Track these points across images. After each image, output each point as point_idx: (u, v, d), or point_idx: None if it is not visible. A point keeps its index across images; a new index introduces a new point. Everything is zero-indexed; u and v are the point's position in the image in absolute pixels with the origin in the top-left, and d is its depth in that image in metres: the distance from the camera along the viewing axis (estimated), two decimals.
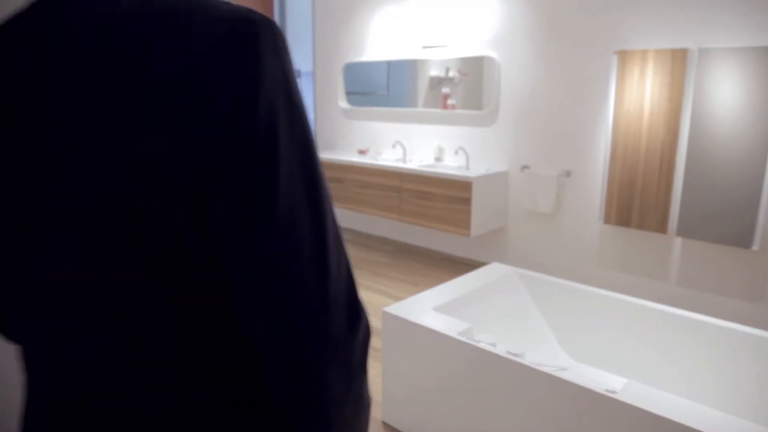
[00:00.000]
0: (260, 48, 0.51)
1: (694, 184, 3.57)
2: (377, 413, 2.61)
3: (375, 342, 3.37)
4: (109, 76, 0.49)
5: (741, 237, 3.44)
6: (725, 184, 3.45)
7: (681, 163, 3.68)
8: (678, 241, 3.85)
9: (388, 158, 5.38)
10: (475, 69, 4.73)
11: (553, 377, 1.88)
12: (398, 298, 4.04)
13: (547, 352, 2.82)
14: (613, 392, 1.78)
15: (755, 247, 3.41)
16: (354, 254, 5.17)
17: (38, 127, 0.52)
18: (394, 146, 5.37)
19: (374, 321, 3.68)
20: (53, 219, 0.52)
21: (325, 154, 5.58)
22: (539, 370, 1.91)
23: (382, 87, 5.46)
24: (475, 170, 4.58)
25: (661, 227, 3.76)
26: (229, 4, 0.52)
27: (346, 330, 0.57)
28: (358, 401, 0.61)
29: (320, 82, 6.09)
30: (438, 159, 5.07)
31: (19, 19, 0.57)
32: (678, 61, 3.55)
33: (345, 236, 5.79)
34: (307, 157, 0.54)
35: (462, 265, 4.84)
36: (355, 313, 0.58)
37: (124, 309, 0.53)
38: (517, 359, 1.96)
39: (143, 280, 0.52)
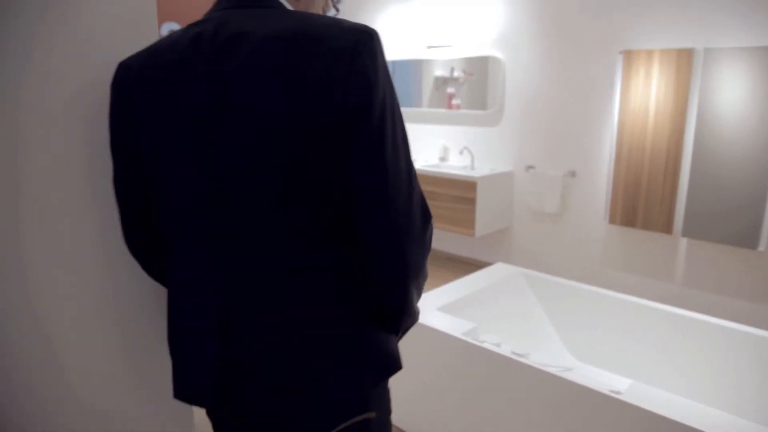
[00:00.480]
0: (375, 47, 0.81)
1: (699, 184, 3.55)
2: None
3: None
4: (287, 68, 0.78)
5: (747, 237, 3.42)
6: (731, 184, 3.44)
7: (686, 164, 3.67)
8: (683, 242, 3.84)
9: None
10: (479, 69, 4.72)
11: (557, 378, 1.88)
12: None
13: (552, 353, 2.82)
14: (618, 393, 1.78)
15: (761, 247, 3.39)
16: None
17: (215, 109, 0.82)
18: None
19: None
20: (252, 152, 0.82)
21: None
22: (544, 370, 1.91)
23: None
24: (480, 170, 4.58)
25: (667, 228, 3.75)
26: (348, 21, 0.82)
27: (422, 225, 0.89)
28: (424, 272, 0.94)
29: None
30: (443, 159, 5.07)
31: (187, 30, 0.88)
32: (683, 61, 3.54)
33: None
34: (399, 120, 0.86)
35: (467, 265, 4.83)
36: (426, 215, 0.91)
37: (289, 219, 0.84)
38: (522, 359, 1.96)
39: (308, 196, 0.83)
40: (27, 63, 1.00)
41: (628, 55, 3.76)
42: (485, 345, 2.07)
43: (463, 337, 2.13)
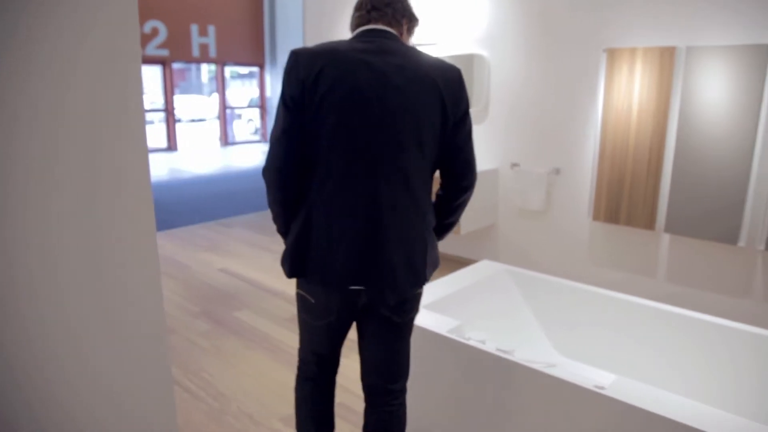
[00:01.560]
0: (463, 79, 1.67)
1: (681, 181, 3.58)
2: None
3: None
4: (424, 83, 1.56)
5: (728, 233, 3.46)
6: (712, 181, 3.47)
7: (669, 161, 3.69)
8: (666, 238, 3.86)
9: None
10: (465, 67, 4.72)
11: (542, 374, 1.88)
12: None
13: (537, 349, 2.82)
14: (602, 388, 1.78)
15: (742, 243, 3.43)
16: None
17: (385, 90, 1.53)
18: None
19: None
20: (389, 132, 1.54)
21: None
22: (529, 366, 1.91)
23: None
24: None
25: (650, 224, 3.78)
26: (439, 58, 1.67)
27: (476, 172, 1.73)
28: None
29: None
30: None
31: (356, 44, 1.61)
32: (666, 59, 3.57)
33: None
34: (470, 121, 1.69)
35: (453, 263, 4.83)
36: (476, 170, 1.73)
37: (419, 164, 1.59)
38: (507, 356, 1.96)
39: (427, 150, 1.61)
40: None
41: (612, 54, 3.78)
42: (471, 342, 2.06)
43: (449, 335, 2.12)
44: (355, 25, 1.68)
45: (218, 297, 4.00)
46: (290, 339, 3.32)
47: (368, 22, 1.64)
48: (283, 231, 1.67)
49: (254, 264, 4.72)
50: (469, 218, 4.42)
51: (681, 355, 2.47)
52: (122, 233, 1.28)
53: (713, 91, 3.40)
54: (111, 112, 1.20)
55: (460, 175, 1.67)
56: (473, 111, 4.72)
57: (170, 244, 5.31)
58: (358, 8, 1.68)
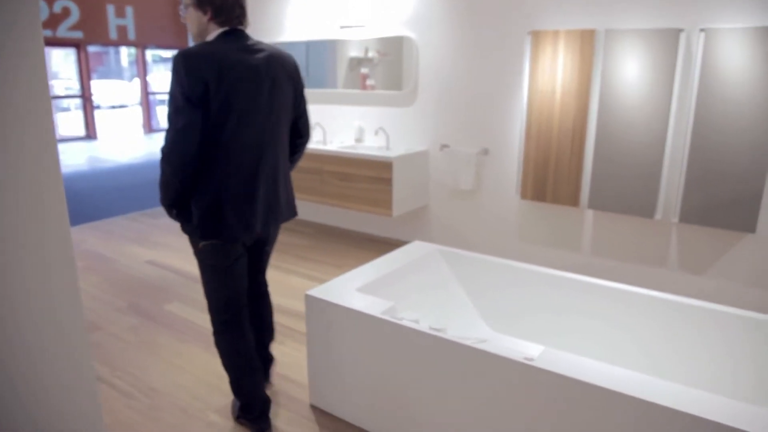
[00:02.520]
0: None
1: (602, 159, 3.73)
2: (304, 397, 2.59)
3: (299, 326, 3.33)
4: (283, 72, 2.13)
5: (645, 207, 3.64)
6: (630, 158, 3.63)
7: (591, 140, 3.84)
8: (590, 214, 4.03)
9: None
10: (394, 49, 4.72)
11: (474, 349, 1.92)
12: (322, 281, 4.01)
13: (469, 326, 2.89)
14: (531, 360, 1.84)
15: (658, 216, 3.62)
16: (278, 238, 5.07)
17: (257, 87, 2.03)
18: (314, 128, 5.30)
19: (298, 305, 3.64)
20: (271, 111, 2.09)
21: None
22: (461, 343, 1.94)
23: (301, 68, 5.35)
24: (395, 150, 4.59)
25: (574, 201, 3.92)
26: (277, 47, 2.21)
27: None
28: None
29: None
30: (358, 140, 5.05)
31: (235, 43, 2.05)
32: (587, 42, 3.68)
33: None
34: (305, 96, 2.33)
35: (386, 245, 4.86)
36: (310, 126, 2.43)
37: (285, 130, 2.21)
38: (439, 334, 1.99)
39: (288, 120, 2.21)
40: None
41: (536, 36, 3.87)
42: (404, 322, 2.08)
43: (382, 316, 2.13)
44: (207, 28, 2.05)
45: (147, 290, 3.86)
46: None
47: (226, 24, 2.05)
48: (174, 204, 2.03)
49: (184, 254, 4.58)
50: (401, 200, 4.45)
51: (606, 324, 2.59)
52: (30, 226, 1.20)
53: (630, 72, 3.55)
54: (10, 96, 1.11)
55: (305, 131, 2.33)
56: (402, 93, 4.73)
57: (93, 238, 5.07)
58: (215, 13, 2.02)
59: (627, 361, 2.55)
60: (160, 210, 6.09)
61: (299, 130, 2.30)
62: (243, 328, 2.23)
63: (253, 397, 2.28)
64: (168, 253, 4.65)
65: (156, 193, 7.05)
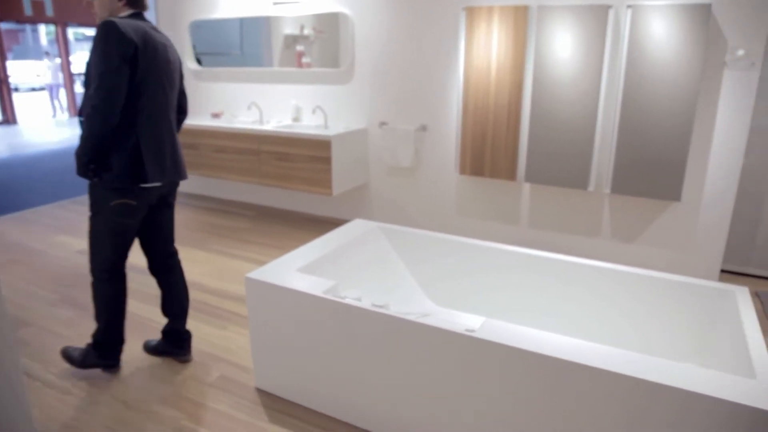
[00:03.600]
0: None
1: (537, 133, 3.81)
2: (249, 380, 2.56)
3: (241, 309, 3.28)
4: (174, 52, 2.47)
5: (579, 180, 3.75)
6: (564, 132, 3.73)
7: (526, 114, 3.91)
8: (527, 187, 4.12)
9: (244, 121, 5.17)
10: (329, 26, 4.64)
11: (417, 324, 1.94)
12: (264, 264, 3.95)
13: (413, 301, 2.92)
14: (472, 331, 1.87)
15: (591, 188, 3.74)
16: (215, 221, 4.96)
17: (165, 63, 2.37)
18: (249, 108, 5.18)
19: (239, 288, 3.57)
20: (170, 85, 2.43)
21: None
22: (403, 318, 1.96)
23: (235, 46, 5.20)
24: (333, 129, 4.55)
25: (511, 175, 4.00)
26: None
27: None
28: None
29: None
30: (296, 119, 4.97)
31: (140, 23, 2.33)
32: (520, 18, 3.73)
33: (204, 204, 5.54)
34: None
35: (327, 225, 4.83)
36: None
37: (173, 104, 2.48)
38: (382, 311, 2.00)
39: (176, 94, 2.52)
40: None
41: (471, 12, 3.88)
42: (346, 300, 2.08)
43: (324, 295, 2.12)
44: (119, 10, 2.32)
45: (79, 281, 3.70)
46: (160, 316, 3.16)
47: (137, 7, 2.35)
48: (94, 158, 2.22)
49: None
50: (340, 179, 4.42)
51: (543, 294, 2.67)
52: None
53: (562, 48, 3.62)
54: None
55: (185, 107, 2.66)
56: (339, 71, 4.67)
57: (17, 229, 4.81)
58: None
59: (564, 328, 2.64)
60: None
61: (182, 106, 2.64)
62: (125, 278, 2.51)
63: (116, 340, 2.54)
64: None
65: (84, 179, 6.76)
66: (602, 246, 3.96)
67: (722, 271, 4.03)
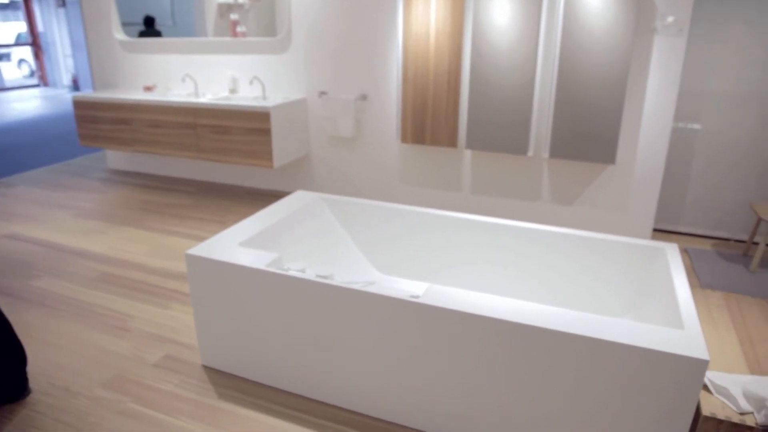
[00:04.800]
0: None
1: (477, 100, 3.84)
2: (195, 359, 2.52)
3: (183, 287, 3.21)
4: None
5: (518, 145, 3.81)
6: (503, 99, 3.76)
7: (465, 81, 3.93)
8: (468, 154, 4.16)
9: (178, 94, 4.99)
10: None
11: (361, 292, 1.94)
12: (206, 240, 3.87)
13: (357, 270, 2.92)
14: (416, 297, 1.89)
15: (530, 153, 3.81)
16: (153, 199, 4.80)
17: None
18: (184, 80, 4.99)
19: (180, 266, 3.49)
20: None
21: (104, 93, 5.00)
22: (348, 287, 1.96)
23: (166, 16, 4.98)
24: (272, 99, 4.45)
25: (452, 142, 4.03)
26: None
27: None
28: None
29: (89, 11, 5.36)
30: (233, 91, 4.83)
31: None
32: None
33: (140, 182, 5.35)
34: None
35: (270, 198, 4.76)
36: None
37: None
38: (327, 281, 1.99)
39: None
40: None
41: None
42: (290, 273, 2.06)
43: (267, 269, 2.09)
44: None
45: (9, 267, 3.52)
46: (102, 299, 3.06)
47: None
48: None
49: (49, 225, 4.22)
50: (281, 151, 4.34)
51: (486, 259, 2.72)
52: None
53: (500, 15, 3.63)
54: None
55: None
56: (276, 40, 4.55)
57: None
58: None
59: (507, 291, 2.71)
60: (18, 178, 5.54)
61: None
62: None
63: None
64: (31, 225, 4.25)
65: (11, 158, 6.39)
66: (542, 209, 4.06)
67: (655, 229, 4.21)
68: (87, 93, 5.00)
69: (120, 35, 5.22)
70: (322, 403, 2.23)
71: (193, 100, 4.54)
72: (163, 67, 5.17)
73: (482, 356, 1.84)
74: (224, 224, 4.19)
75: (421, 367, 1.96)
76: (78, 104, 5.01)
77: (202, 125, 4.47)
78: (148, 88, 5.11)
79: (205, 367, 2.46)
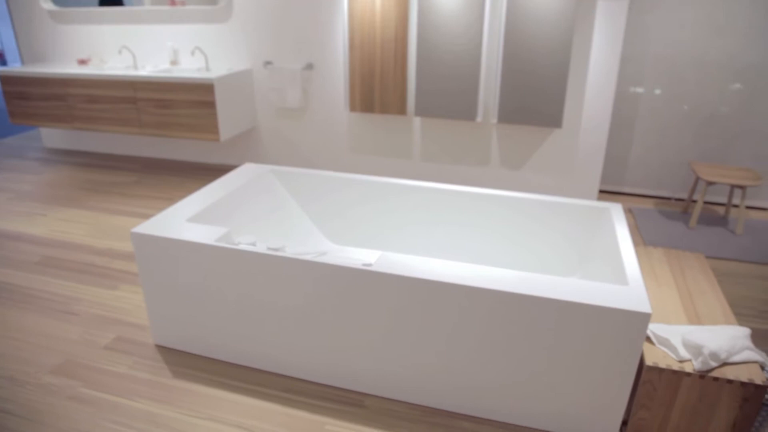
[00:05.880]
0: None
1: (425, 67, 3.82)
2: (147, 338, 2.47)
3: (131, 267, 3.12)
4: None
5: (467, 111, 3.82)
6: (451, 65, 3.75)
7: (413, 48, 3.89)
8: (417, 121, 4.15)
9: (115, 66, 4.77)
10: None
11: (314, 263, 1.93)
12: (152, 217, 3.76)
13: (309, 241, 2.90)
14: (369, 265, 1.89)
15: (479, 118, 3.83)
16: (94, 178, 4.62)
17: None
18: (120, 52, 4.78)
19: (127, 246, 3.39)
20: None
21: (33, 68, 4.74)
22: (300, 258, 1.94)
23: None
24: (216, 71, 4.31)
25: (401, 109, 4.01)
26: None
27: None
28: None
29: None
30: (174, 63, 4.65)
31: None
32: None
33: (80, 160, 5.13)
34: None
35: (218, 172, 4.65)
36: None
37: None
38: (278, 253, 1.97)
39: None
40: None
41: None
42: (240, 247, 2.02)
43: (217, 243, 2.05)
44: None
45: None
46: (44, 284, 2.95)
47: None
48: None
49: None
50: (227, 123, 4.24)
51: (438, 225, 2.74)
52: None
53: None
54: None
55: None
56: (217, 8, 4.40)
57: None
58: None
59: (460, 256, 2.74)
60: None
61: None
62: None
63: None
64: None
65: None
66: (492, 174, 4.11)
67: (600, 191, 4.33)
68: (15, 67, 4.73)
69: (47, 4, 4.94)
70: (278, 374, 2.23)
71: (132, 72, 4.36)
72: (97, 39, 4.93)
73: (435, 321, 1.86)
74: (171, 201, 4.08)
75: (375, 334, 1.97)
76: (5, 80, 4.74)
77: (143, 99, 4.30)
78: (82, 62, 4.87)
79: (158, 347, 2.41)
